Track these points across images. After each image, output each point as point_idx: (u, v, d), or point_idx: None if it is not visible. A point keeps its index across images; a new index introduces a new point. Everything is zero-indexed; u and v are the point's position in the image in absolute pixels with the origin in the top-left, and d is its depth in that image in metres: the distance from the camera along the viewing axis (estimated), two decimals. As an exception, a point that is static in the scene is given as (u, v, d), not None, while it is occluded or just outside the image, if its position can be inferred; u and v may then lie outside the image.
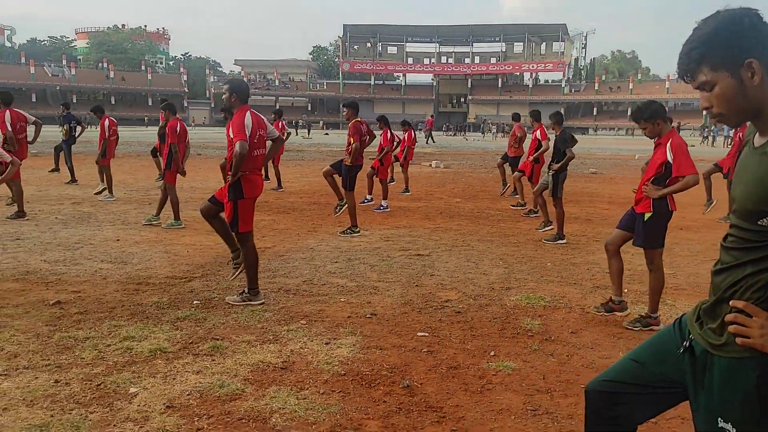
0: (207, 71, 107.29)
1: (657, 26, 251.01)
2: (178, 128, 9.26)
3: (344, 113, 8.97)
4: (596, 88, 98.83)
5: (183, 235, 8.85)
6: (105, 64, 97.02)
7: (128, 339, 4.67)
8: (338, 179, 9.35)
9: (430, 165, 22.61)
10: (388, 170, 11.87)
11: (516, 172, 11.66)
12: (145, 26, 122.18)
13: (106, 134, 12.24)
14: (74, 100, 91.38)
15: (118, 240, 8.35)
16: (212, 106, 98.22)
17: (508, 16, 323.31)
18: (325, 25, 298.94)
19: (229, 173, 5.45)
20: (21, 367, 4.14)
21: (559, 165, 8.23)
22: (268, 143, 5.94)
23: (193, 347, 4.55)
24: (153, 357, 4.35)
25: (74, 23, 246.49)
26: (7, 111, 9.63)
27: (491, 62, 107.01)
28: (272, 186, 14.07)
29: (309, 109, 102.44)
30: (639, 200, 5.01)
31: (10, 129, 9.38)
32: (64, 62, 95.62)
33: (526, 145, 11.77)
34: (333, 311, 5.44)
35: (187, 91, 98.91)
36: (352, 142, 8.74)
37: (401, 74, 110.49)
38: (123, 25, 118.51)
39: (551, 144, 10.49)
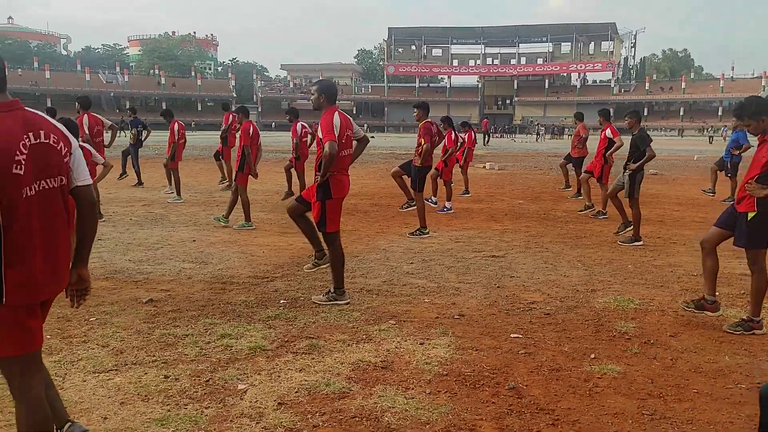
0: (254, 76, 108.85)
1: (709, 24, 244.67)
2: (251, 131, 9.40)
3: (415, 114, 8.96)
4: (647, 87, 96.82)
5: (255, 236, 8.98)
6: (157, 71, 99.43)
7: (225, 337, 4.75)
8: (407, 180, 9.35)
9: (485, 167, 22.47)
10: (451, 172, 11.81)
11: (583, 173, 11.48)
12: (194, 33, 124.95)
13: (176, 137, 12.52)
14: (126, 106, 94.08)
15: (194, 241, 8.52)
16: (259, 110, 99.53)
17: (555, 15, 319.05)
18: (370, 29, 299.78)
19: (317, 173, 5.50)
20: (129, 363, 4.26)
21: (637, 164, 8.06)
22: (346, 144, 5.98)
23: (290, 345, 4.60)
24: (253, 355, 4.42)
25: (127, 31, 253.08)
26: (86, 115, 9.92)
27: (538, 63, 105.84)
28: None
29: (354, 112, 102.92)
30: (741, 199, 4.86)
31: (87, 132, 9.66)
32: (118, 69, 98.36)
33: (591, 145, 11.58)
34: (419, 312, 5.44)
35: (235, 95, 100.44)
36: (422, 143, 8.73)
37: (446, 76, 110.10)
38: (173, 32, 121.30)
39: (618, 141, 10.33)
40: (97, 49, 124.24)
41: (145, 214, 10.78)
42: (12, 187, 2.31)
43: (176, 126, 12.71)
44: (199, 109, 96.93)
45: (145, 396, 3.76)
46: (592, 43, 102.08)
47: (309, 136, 11.93)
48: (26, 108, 2.45)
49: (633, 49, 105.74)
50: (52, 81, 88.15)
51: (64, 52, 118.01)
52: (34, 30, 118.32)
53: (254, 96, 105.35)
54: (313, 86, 5.65)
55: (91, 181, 2.65)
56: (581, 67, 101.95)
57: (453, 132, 11.82)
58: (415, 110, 9.02)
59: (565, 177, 13.47)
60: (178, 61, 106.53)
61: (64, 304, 5.44)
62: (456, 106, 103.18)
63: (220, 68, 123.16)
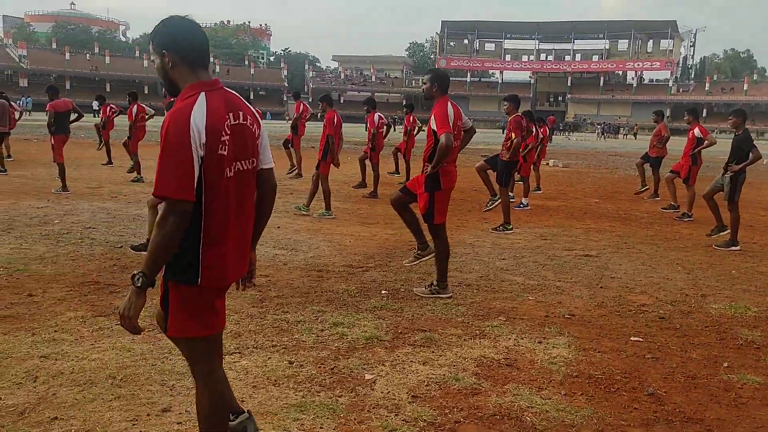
0: (306, 66, 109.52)
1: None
2: (335, 120, 9.37)
3: (505, 107, 8.81)
4: (707, 88, 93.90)
5: (337, 225, 8.96)
6: (212, 59, 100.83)
7: (338, 325, 4.71)
8: (491, 175, 9.20)
9: (548, 163, 22.07)
10: (530, 168, 11.61)
11: (669, 174, 11.13)
12: (249, 22, 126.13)
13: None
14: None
15: (279, 228, 8.53)
16: (310, 100, 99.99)
17: (610, 12, 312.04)
18: (421, 21, 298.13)
19: (426, 164, 5.41)
20: (250, 347, 4.25)
21: (740, 166, 7.74)
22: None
23: (405, 337, 4.54)
24: (371, 345, 4.36)
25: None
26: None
27: (593, 60, 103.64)
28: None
29: (404, 103, 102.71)
30: None
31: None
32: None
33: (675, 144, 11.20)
34: (527, 309, 5.31)
35: (287, 85, 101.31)
36: (513, 137, 8.57)
37: (498, 71, 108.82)
38: (228, 21, 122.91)
39: (710, 140, 9.97)
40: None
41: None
42: (217, 168, 2.28)
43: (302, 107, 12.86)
44: (252, 97, 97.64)
45: (275, 381, 3.74)
46: (651, 41, 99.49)
47: (385, 127, 11.84)
48: (224, 87, 2.41)
49: (692, 48, 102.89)
50: (111, 66, 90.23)
51: (123, 39, 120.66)
52: (94, 16, 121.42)
53: (305, 86, 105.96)
54: (426, 75, 5.56)
55: (273, 165, 2.61)
56: (638, 65, 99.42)
57: (534, 126, 11.60)
58: (506, 103, 8.86)
59: (641, 177, 13.09)
60: (232, 49, 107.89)
61: None
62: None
63: (272, 58, 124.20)
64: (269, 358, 4.08)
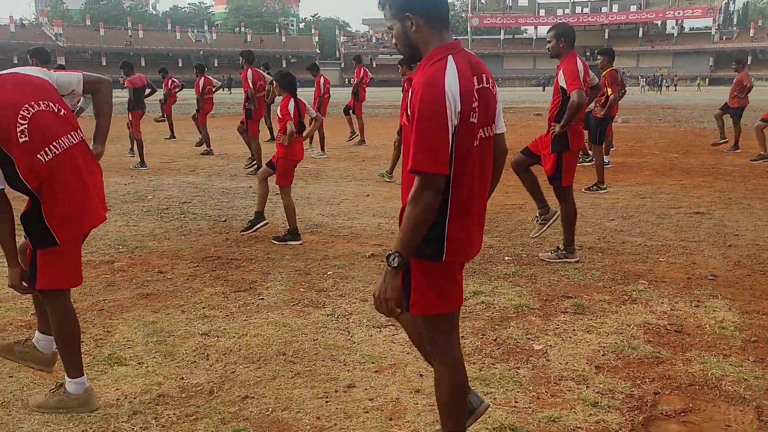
0: (337, 31, 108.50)
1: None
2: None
3: (599, 61, 8.51)
4: (751, 34, 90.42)
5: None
6: (242, 29, 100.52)
7: (478, 294, 4.61)
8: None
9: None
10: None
11: (760, 122, 10.70)
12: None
13: (321, 91, 12.48)
14: (216, 64, 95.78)
15: (368, 195, 8.45)
16: (342, 66, 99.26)
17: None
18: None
19: (553, 124, 5.22)
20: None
21: None
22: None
23: (554, 305, 4.42)
24: (523, 313, 4.26)
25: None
26: (250, 69, 9.97)
27: (631, 11, 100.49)
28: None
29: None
30: None
31: (252, 87, 9.72)
32: (206, 27, 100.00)
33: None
34: (664, 271, 5.14)
35: (318, 51, 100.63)
36: (609, 92, 8.28)
37: (532, 27, 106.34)
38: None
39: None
40: (184, 8, 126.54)
41: (302, 170, 10.80)
42: (468, 137, 2.15)
43: (322, 80, 12.65)
44: (284, 65, 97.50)
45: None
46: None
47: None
48: (464, 48, 2.26)
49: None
50: (144, 41, 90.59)
51: (152, 12, 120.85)
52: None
53: (337, 51, 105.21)
54: (550, 32, 5.32)
55: (505, 129, 2.46)
56: (678, 14, 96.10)
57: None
58: (599, 57, 8.55)
59: (720, 129, 12.64)
60: (262, 18, 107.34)
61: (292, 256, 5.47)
62: (542, 58, 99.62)
63: (302, 24, 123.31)
64: (427, 329, 4.00)
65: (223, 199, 8.26)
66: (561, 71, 5.11)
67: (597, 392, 3.20)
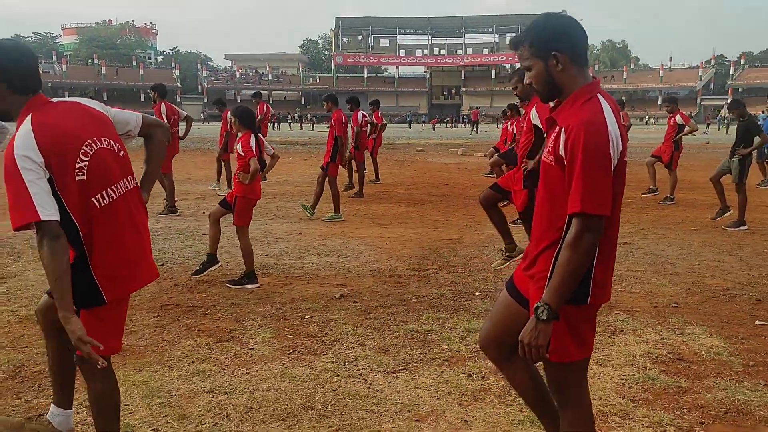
0: (198, 66, 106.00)
1: (643, 16, 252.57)
2: (343, 120, 9.09)
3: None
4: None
5: (355, 227, 8.70)
6: (96, 60, 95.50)
7: (472, 332, 4.56)
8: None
9: (485, 156, 22.53)
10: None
11: (650, 158, 11.64)
12: (133, 21, 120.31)
13: (228, 127, 12.00)
14: (66, 96, 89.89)
15: (300, 234, 8.19)
16: (205, 101, 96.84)
17: (498, 8, 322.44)
18: (314, 18, 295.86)
19: (526, 161, 5.34)
20: (412, 361, 4.03)
21: (748, 150, 8.22)
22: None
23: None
24: (530, 350, 4.24)
25: (55, 19, 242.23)
26: (163, 104, 9.42)
27: (484, 53, 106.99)
28: (370, 179, 13.84)
29: (302, 102, 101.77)
30: None
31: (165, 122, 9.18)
32: (54, 58, 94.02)
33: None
34: (629, 301, 5.38)
35: (179, 85, 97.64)
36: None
37: (394, 67, 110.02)
38: (110, 20, 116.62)
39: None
40: (28, 37, 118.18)
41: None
42: (622, 175, 2.15)
43: (228, 115, 12.17)
44: (142, 99, 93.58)
45: (473, 396, 3.57)
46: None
47: (369, 126, 11.64)
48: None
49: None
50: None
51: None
52: None
53: (199, 86, 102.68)
54: (514, 76, 5.44)
55: None
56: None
57: (519, 120, 11.74)
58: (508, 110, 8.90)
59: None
60: (117, 50, 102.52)
61: (257, 300, 5.11)
62: (404, 96, 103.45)
63: (160, 57, 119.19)
64: (442, 372, 3.89)
65: (154, 240, 7.63)
66: (534, 110, 5.25)
67: (648, 426, 3.23)
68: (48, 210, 2.22)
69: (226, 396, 3.54)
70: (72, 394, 2.86)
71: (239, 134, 5.80)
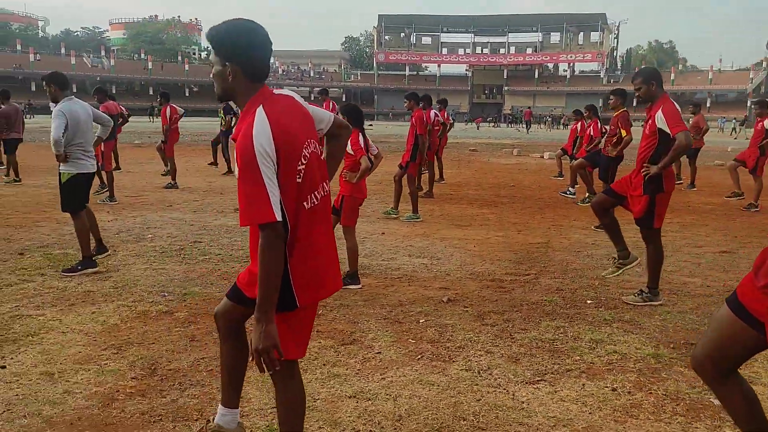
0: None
1: (692, 17, 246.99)
2: (424, 118, 8.99)
3: (611, 101, 8.66)
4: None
5: (437, 228, 8.60)
6: (143, 55, 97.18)
7: (600, 342, 4.42)
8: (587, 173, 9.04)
9: (542, 156, 22.25)
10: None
11: (732, 162, 11.28)
12: (179, 17, 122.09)
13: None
14: (114, 90, 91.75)
15: (383, 233, 8.11)
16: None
17: (542, 6, 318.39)
18: (356, 15, 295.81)
19: (646, 165, 5.14)
20: (549, 372, 3.90)
21: None
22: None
23: (677, 350, 4.28)
24: (668, 363, 4.09)
25: (101, 15, 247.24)
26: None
27: (527, 53, 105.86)
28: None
29: (344, 100, 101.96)
30: None
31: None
32: (103, 53, 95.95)
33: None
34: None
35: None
36: (623, 133, 8.41)
37: (435, 65, 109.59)
38: (156, 16, 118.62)
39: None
40: (77, 32, 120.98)
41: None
42: None
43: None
44: (187, 94, 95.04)
45: (627, 411, 3.42)
46: (582, 33, 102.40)
47: (441, 126, 11.52)
48: None
49: (616, 40, 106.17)
50: (36, 65, 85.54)
51: (42, 35, 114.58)
52: (10, 11, 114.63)
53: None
54: (637, 78, 5.26)
55: None
56: (571, 57, 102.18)
57: (599, 122, 11.50)
58: (612, 97, 8.70)
59: (677, 170, 13.25)
60: (164, 45, 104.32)
61: (364, 301, 5.01)
62: (445, 94, 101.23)
63: (204, 53, 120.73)
64: (583, 385, 3.75)
65: (235, 238, 7.65)
66: (660, 113, 5.05)
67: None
68: (279, 210, 2.15)
69: (370, 402, 3.46)
70: (240, 394, 2.81)
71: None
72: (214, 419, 2.82)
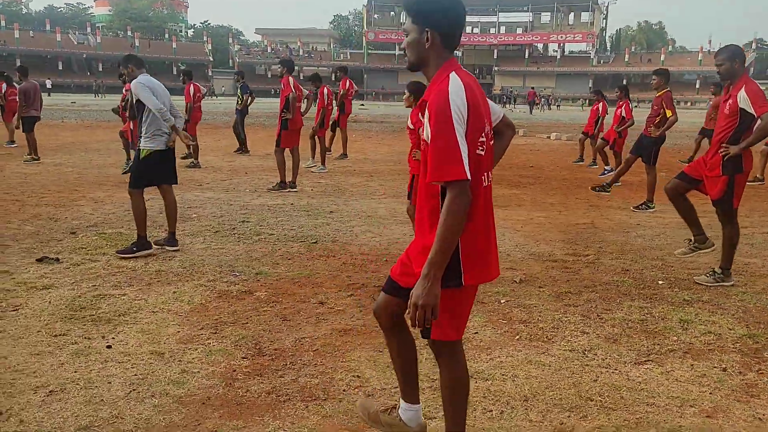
0: (230, 40, 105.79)
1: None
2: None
3: (654, 81, 8.60)
4: (626, 59, 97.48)
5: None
6: (129, 32, 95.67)
7: (689, 322, 4.43)
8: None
9: (549, 137, 22.24)
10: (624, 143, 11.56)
11: (765, 147, 11.32)
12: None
13: (325, 102, 11.90)
14: (100, 68, 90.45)
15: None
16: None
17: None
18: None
19: (725, 146, 5.12)
20: (653, 352, 3.90)
21: None
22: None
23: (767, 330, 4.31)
24: (752, 342, 4.11)
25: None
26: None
27: (518, 32, 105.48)
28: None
29: (333, 79, 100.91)
30: None
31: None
32: (89, 30, 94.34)
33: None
34: (823, 293, 5.19)
35: (212, 59, 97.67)
36: (668, 113, 8.38)
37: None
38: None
39: None
40: (60, 8, 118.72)
41: (318, 185, 10.24)
42: None
43: (326, 90, 12.06)
44: (174, 72, 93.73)
45: (747, 392, 3.43)
46: (572, 13, 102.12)
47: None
48: None
49: (604, 20, 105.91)
50: (21, 41, 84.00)
51: (24, 11, 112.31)
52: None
53: (230, 60, 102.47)
54: (721, 54, 5.19)
55: None
56: (561, 37, 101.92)
57: (629, 103, 11.48)
58: (654, 77, 8.66)
59: (696, 150, 13.31)
60: (150, 22, 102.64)
61: None
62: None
63: (191, 31, 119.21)
64: (692, 365, 3.76)
65: (280, 217, 7.57)
66: (743, 93, 5.01)
67: None
68: (468, 169, 2.13)
69: (489, 382, 3.45)
70: (417, 388, 2.75)
71: (410, 109, 5.67)
72: (397, 409, 2.75)
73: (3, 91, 14.29)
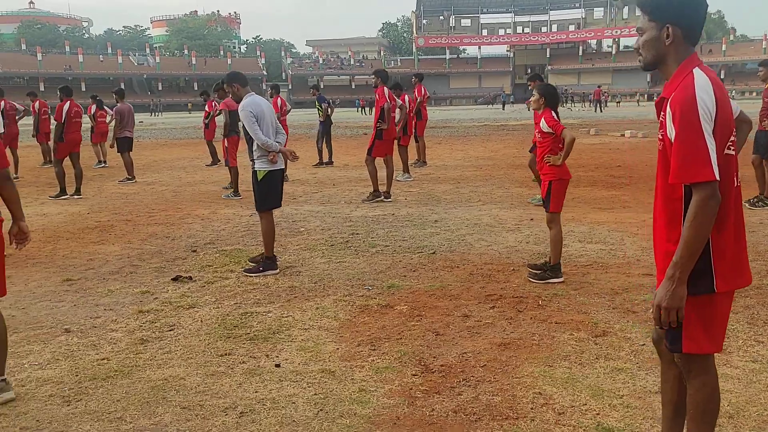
0: (282, 53, 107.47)
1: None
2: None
3: (760, 73, 8.24)
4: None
5: (581, 212, 8.34)
6: (185, 51, 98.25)
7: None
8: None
9: (623, 135, 21.69)
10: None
11: None
12: (218, 11, 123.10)
13: (407, 109, 11.88)
14: (159, 87, 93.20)
15: (532, 219, 7.90)
16: (290, 87, 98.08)
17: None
18: (391, 0, 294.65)
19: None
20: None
21: None
22: None
23: None
24: None
25: (139, 12, 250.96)
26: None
27: (570, 30, 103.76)
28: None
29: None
30: None
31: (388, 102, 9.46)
32: (148, 51, 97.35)
33: None
34: None
35: (265, 73, 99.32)
36: None
37: (476, 47, 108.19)
38: (195, 11, 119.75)
39: None
40: (119, 31, 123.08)
41: (410, 194, 10.18)
42: None
43: (406, 98, 12.04)
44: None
45: None
46: (627, 7, 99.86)
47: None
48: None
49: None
50: (84, 65, 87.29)
51: (86, 36, 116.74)
52: (56, 14, 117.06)
53: (283, 73, 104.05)
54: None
55: None
56: (616, 32, 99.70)
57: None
58: (761, 69, 8.30)
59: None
60: (205, 40, 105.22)
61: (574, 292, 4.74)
62: (487, 76, 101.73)
63: (244, 46, 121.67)
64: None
65: (388, 228, 7.53)
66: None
67: None
68: (716, 170, 2.03)
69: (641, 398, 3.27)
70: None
71: (539, 112, 5.52)
72: None
73: (92, 113, 14.80)
